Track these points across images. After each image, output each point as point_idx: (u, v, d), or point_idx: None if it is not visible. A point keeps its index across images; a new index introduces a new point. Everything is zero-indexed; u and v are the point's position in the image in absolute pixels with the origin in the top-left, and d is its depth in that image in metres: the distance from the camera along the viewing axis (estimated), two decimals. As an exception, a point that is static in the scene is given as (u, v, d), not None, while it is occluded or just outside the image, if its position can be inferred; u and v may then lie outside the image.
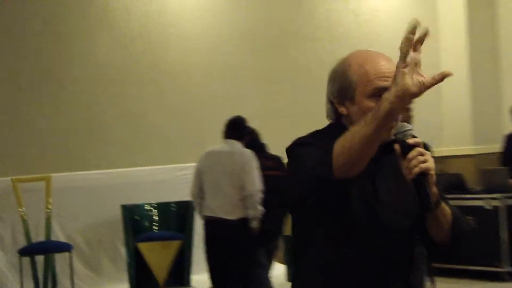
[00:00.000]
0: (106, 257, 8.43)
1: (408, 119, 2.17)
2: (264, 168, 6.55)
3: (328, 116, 2.39)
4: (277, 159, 6.92)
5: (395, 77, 1.97)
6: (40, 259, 7.82)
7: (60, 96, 8.60)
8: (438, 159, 2.37)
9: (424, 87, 1.95)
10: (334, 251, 2.29)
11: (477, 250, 7.93)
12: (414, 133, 2.17)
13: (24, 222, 7.83)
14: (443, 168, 9.21)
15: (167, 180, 8.67)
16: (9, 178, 7.94)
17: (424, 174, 2.12)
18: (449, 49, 10.62)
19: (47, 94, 8.53)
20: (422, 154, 2.13)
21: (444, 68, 6.74)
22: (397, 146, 2.17)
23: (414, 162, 2.12)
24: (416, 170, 2.12)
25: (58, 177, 8.10)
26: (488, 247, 8.37)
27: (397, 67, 1.96)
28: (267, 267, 6.76)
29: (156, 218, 8.48)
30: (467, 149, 10.83)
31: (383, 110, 1.98)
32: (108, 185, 8.44)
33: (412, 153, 2.13)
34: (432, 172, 2.14)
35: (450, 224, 2.29)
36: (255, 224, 6.32)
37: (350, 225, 2.26)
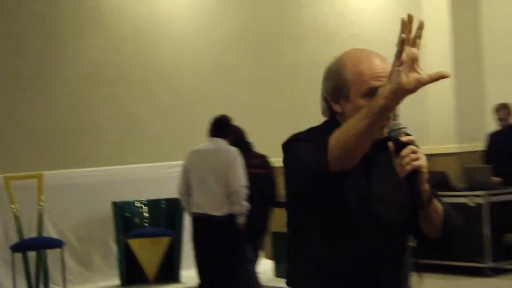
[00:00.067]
0: (97, 253, 8.43)
1: (393, 117, 2.26)
2: (249, 166, 6.59)
3: (323, 113, 2.41)
4: (262, 157, 6.94)
5: (390, 75, 1.99)
6: (32, 255, 7.83)
7: (52, 96, 8.55)
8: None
9: (420, 84, 1.96)
10: (330, 248, 2.30)
11: (461, 246, 7.93)
12: (407, 131, 2.18)
13: (17, 218, 7.85)
14: (428, 166, 9.30)
15: (158, 177, 8.67)
16: (1, 175, 7.95)
17: (416, 171, 2.14)
18: (433, 49, 10.59)
19: (39, 94, 8.48)
20: (415, 152, 2.14)
21: (429, 68, 6.86)
22: (390, 144, 2.18)
23: (406, 159, 2.13)
24: (409, 167, 2.13)
25: (50, 175, 8.11)
26: (471, 243, 8.38)
27: (393, 65, 1.99)
28: (254, 262, 6.80)
29: (146, 215, 8.51)
30: (451, 147, 10.90)
31: (378, 105, 2.00)
32: (100, 182, 8.43)
33: (405, 151, 2.14)
34: (425, 169, 2.15)
35: (442, 221, 2.31)
36: (241, 220, 6.37)
37: (345, 221, 2.27)
